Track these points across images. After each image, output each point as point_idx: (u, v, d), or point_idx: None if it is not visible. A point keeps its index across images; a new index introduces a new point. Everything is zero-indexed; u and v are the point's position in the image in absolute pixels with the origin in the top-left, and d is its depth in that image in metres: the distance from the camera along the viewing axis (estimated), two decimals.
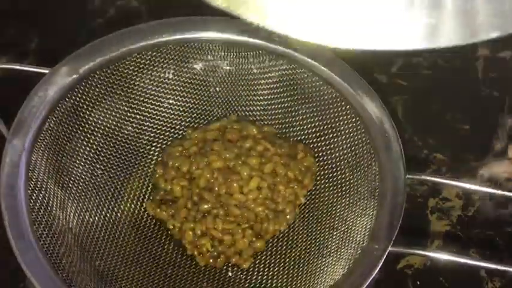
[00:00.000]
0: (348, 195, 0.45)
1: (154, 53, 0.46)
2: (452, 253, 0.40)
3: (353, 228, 0.43)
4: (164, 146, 0.48)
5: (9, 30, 0.55)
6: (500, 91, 0.53)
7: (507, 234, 0.47)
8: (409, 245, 0.46)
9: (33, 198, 0.40)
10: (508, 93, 0.53)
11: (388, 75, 0.54)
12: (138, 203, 0.46)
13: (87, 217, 0.44)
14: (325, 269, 0.42)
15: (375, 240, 0.40)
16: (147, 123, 0.48)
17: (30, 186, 0.40)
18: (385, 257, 0.39)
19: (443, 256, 0.40)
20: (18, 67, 0.44)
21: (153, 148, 0.48)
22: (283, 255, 0.45)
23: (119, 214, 0.45)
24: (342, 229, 0.44)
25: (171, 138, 0.48)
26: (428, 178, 0.43)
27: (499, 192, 0.42)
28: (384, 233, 0.40)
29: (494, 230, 0.48)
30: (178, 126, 0.49)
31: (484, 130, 0.52)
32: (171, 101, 0.48)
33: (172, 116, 0.48)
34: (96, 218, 0.44)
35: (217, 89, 0.49)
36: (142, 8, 0.56)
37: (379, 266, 0.39)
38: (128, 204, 0.46)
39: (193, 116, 0.49)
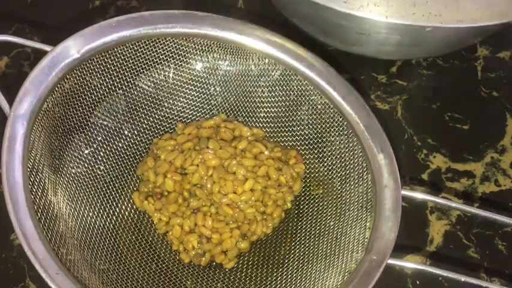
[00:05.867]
0: (335, 205, 0.45)
1: (154, 44, 0.46)
2: (448, 270, 0.40)
3: (342, 238, 0.43)
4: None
5: (9, 30, 0.55)
6: (500, 91, 0.54)
7: (507, 234, 0.47)
8: (409, 246, 0.46)
9: (31, 179, 0.40)
10: (508, 93, 0.53)
11: (388, 75, 0.54)
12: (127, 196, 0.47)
13: (73, 205, 0.43)
14: (313, 274, 0.42)
15: (371, 252, 0.40)
16: (145, 122, 0.48)
17: (29, 167, 0.40)
18: (382, 269, 0.39)
19: (440, 272, 0.40)
20: (20, 41, 0.43)
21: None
22: (267, 258, 0.45)
23: (107, 206, 0.45)
24: (330, 237, 0.44)
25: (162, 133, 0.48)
26: (422, 197, 0.42)
27: (497, 217, 0.41)
28: (380, 245, 0.40)
29: (494, 230, 0.48)
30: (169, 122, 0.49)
31: (484, 130, 0.52)
32: (170, 100, 0.49)
33: (169, 112, 0.49)
34: (83, 207, 0.44)
35: (216, 88, 0.49)
36: (142, 8, 0.56)
37: (376, 278, 0.39)
38: (122, 198, 0.46)
39: (188, 112, 0.49)
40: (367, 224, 0.41)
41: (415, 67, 0.54)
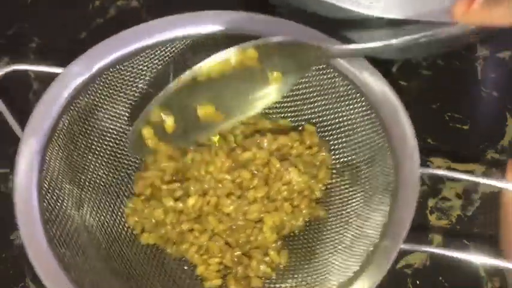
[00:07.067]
0: (362, 189, 0.44)
1: (167, 49, 0.45)
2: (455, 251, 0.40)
3: (366, 224, 0.42)
4: None
5: (9, 30, 0.55)
6: (500, 91, 0.53)
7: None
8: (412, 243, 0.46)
9: (47, 198, 0.40)
10: (508, 93, 0.53)
11: (388, 75, 0.54)
12: None
13: (103, 216, 0.44)
14: (339, 265, 0.42)
15: (386, 237, 0.39)
16: None
17: (45, 186, 0.40)
18: (396, 254, 0.38)
19: (446, 252, 0.40)
20: (29, 67, 0.44)
21: None
22: (297, 251, 0.44)
23: None
24: (356, 224, 0.43)
25: None
26: (441, 172, 0.42)
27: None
28: (396, 229, 0.39)
29: (494, 230, 0.47)
30: None
31: (484, 130, 0.52)
32: None
33: None
34: (114, 217, 0.44)
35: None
36: (142, 8, 0.56)
37: (390, 264, 0.38)
38: None
39: None
40: (387, 208, 0.41)
41: (415, 67, 0.54)
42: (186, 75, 0.40)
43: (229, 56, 0.39)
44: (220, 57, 0.40)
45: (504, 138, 0.51)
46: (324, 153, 0.46)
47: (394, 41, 0.37)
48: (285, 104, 0.48)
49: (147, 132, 0.41)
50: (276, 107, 0.47)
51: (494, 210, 0.46)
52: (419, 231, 0.47)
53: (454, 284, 0.45)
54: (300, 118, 0.48)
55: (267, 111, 0.47)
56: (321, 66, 0.45)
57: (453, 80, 0.54)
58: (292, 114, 0.48)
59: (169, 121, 0.41)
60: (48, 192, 0.41)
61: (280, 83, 0.42)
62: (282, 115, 0.48)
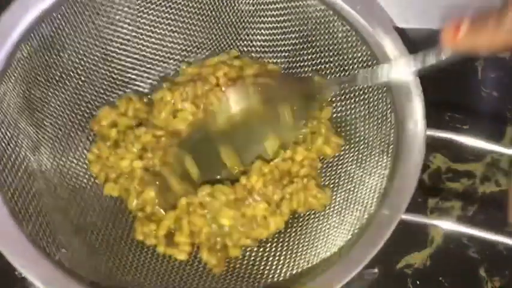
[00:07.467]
0: (356, 148, 0.40)
1: None
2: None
3: (360, 188, 0.38)
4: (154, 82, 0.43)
5: None
6: (500, 91, 0.53)
7: (506, 234, 0.47)
8: (409, 246, 0.46)
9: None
10: (508, 93, 0.53)
11: None
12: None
13: (63, 161, 0.39)
14: (327, 231, 0.38)
15: (384, 205, 0.35)
16: (135, 56, 0.43)
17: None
18: (395, 226, 0.35)
19: (471, 231, 0.37)
20: None
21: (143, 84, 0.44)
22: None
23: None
24: (347, 188, 0.39)
25: (162, 74, 0.43)
26: (452, 136, 0.38)
27: None
28: (395, 197, 0.35)
29: (494, 230, 0.47)
30: (171, 61, 0.44)
31: (484, 130, 0.52)
32: (162, 31, 0.43)
33: (163, 49, 0.44)
34: (74, 163, 0.40)
35: (215, 16, 0.43)
36: None
37: (387, 237, 0.35)
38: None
39: (187, 49, 0.44)
40: (385, 172, 0.37)
41: None
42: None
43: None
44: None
45: (504, 138, 0.51)
46: (328, 111, 0.41)
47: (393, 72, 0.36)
48: (276, 48, 0.44)
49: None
50: (265, 50, 0.44)
51: (494, 210, 0.46)
52: (420, 231, 0.47)
53: (454, 284, 0.45)
54: (291, 65, 0.43)
55: (255, 54, 0.44)
56: (318, 7, 0.40)
57: (453, 80, 0.54)
58: (284, 59, 0.44)
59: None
60: (1, 131, 0.36)
61: (292, 119, 0.40)
62: (272, 60, 0.44)
